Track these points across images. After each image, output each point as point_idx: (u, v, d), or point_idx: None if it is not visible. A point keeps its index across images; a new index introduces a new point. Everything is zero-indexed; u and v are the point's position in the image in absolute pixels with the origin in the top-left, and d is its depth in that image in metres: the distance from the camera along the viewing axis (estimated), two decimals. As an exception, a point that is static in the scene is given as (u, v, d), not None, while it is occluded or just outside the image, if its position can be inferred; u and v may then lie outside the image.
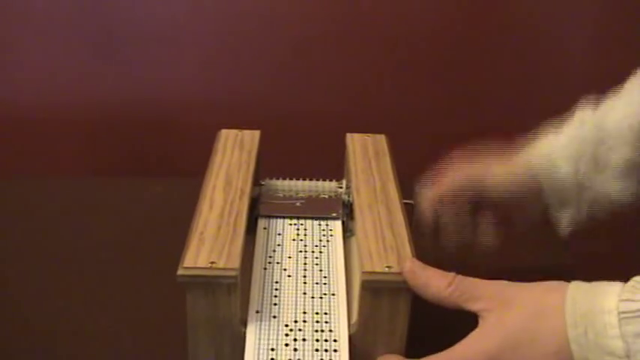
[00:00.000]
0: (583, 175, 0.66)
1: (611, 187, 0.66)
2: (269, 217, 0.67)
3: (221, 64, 1.19)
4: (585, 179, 0.66)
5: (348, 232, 0.66)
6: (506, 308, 0.51)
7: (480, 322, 0.52)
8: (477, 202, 0.67)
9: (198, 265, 0.54)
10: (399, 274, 0.54)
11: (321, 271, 0.61)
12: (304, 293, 0.58)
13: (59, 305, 0.74)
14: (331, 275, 0.60)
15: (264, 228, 0.65)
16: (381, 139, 0.76)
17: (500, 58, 1.21)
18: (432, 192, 0.68)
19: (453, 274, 0.54)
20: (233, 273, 0.53)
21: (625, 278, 0.50)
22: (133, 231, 0.87)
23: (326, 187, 0.72)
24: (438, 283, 0.54)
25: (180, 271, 0.53)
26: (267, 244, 0.63)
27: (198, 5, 1.16)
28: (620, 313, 0.48)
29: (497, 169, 0.68)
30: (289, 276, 0.60)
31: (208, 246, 0.56)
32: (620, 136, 0.66)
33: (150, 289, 0.75)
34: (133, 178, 1.12)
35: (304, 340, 0.54)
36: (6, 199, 0.93)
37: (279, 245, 0.63)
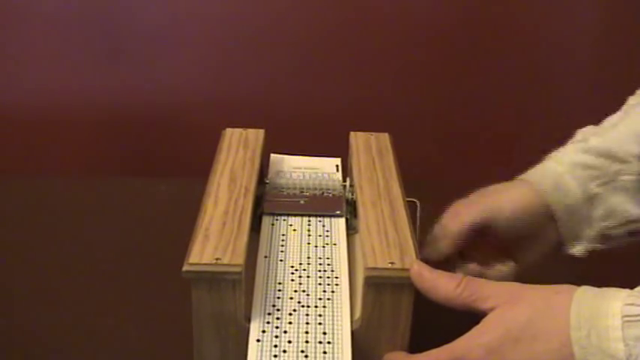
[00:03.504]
0: (593, 189, 0.65)
1: (624, 202, 0.65)
2: (273, 214, 0.67)
3: (225, 63, 1.20)
4: (596, 193, 0.65)
5: (351, 230, 0.67)
6: (513, 305, 0.52)
7: (484, 317, 0.53)
8: (487, 238, 0.66)
9: (203, 261, 0.54)
10: (402, 270, 0.55)
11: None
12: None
13: (65, 304, 0.74)
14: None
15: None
16: (385, 137, 0.76)
17: (504, 58, 1.21)
18: (450, 228, 0.65)
19: (460, 275, 0.55)
20: (238, 269, 0.54)
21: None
22: (139, 229, 0.87)
23: (329, 183, 0.72)
24: (446, 285, 0.54)
25: (185, 267, 0.54)
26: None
27: (203, 6, 1.16)
28: (623, 316, 0.48)
29: (506, 202, 0.66)
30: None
31: (213, 242, 0.56)
32: (627, 151, 0.65)
33: (155, 287, 0.76)
34: (137, 177, 1.13)
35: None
36: (12, 199, 0.94)
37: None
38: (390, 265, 0.55)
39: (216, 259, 0.54)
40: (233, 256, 0.55)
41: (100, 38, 1.17)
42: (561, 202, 0.65)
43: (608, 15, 1.19)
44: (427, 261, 0.57)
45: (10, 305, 0.74)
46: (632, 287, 0.50)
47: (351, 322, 0.56)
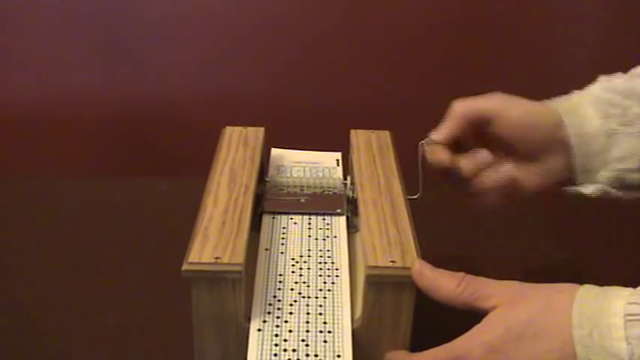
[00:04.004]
0: (614, 129, 0.62)
1: None
2: (273, 213, 0.67)
3: (225, 61, 1.19)
4: (615, 130, 0.62)
5: (352, 228, 0.66)
6: (515, 303, 0.51)
7: (485, 316, 0.52)
8: (487, 143, 0.64)
9: (202, 261, 0.54)
10: (404, 268, 0.54)
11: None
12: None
13: (66, 303, 0.74)
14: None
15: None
16: (385, 135, 0.76)
17: (506, 55, 1.21)
18: (456, 109, 0.64)
19: (462, 274, 0.54)
20: (238, 268, 0.53)
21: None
22: (138, 228, 0.87)
23: (330, 181, 0.72)
24: (447, 284, 0.54)
25: (185, 267, 0.54)
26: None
27: (203, 3, 1.16)
28: (626, 315, 0.47)
29: (517, 101, 0.63)
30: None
31: (213, 241, 0.56)
32: None
33: (156, 286, 0.75)
34: (137, 176, 1.13)
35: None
36: (12, 199, 0.93)
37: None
38: (391, 263, 0.55)
39: (216, 258, 0.54)
40: (233, 256, 0.55)
41: (99, 35, 1.17)
42: (578, 128, 0.63)
43: (608, 15, 1.19)
44: (428, 260, 0.56)
45: (11, 305, 0.74)
46: (634, 286, 0.50)
47: (352, 319, 0.56)
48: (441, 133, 0.65)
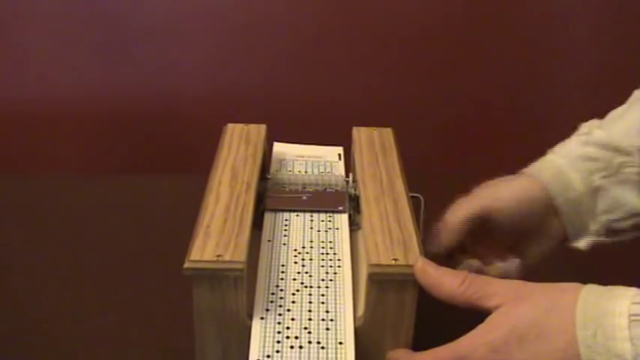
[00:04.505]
0: (597, 181, 0.64)
1: (628, 194, 0.64)
2: (275, 210, 0.67)
3: (227, 58, 1.19)
4: (599, 185, 0.64)
5: (354, 226, 0.66)
6: (518, 303, 0.51)
7: (489, 316, 0.52)
8: (488, 230, 0.65)
9: (204, 259, 0.54)
10: (406, 266, 0.54)
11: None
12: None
13: (66, 302, 0.74)
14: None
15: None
16: (388, 132, 0.76)
17: (507, 52, 1.21)
18: (449, 220, 0.65)
19: (465, 272, 0.54)
20: (239, 266, 0.53)
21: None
22: (140, 227, 0.87)
23: (332, 178, 0.72)
24: (450, 282, 0.53)
25: (186, 265, 0.53)
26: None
27: (204, 1, 1.16)
28: (630, 315, 0.47)
29: (505, 192, 0.65)
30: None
31: (215, 239, 0.56)
32: (629, 145, 0.64)
33: (158, 284, 0.75)
34: (139, 173, 1.13)
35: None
36: (12, 196, 0.93)
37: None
38: (393, 261, 0.54)
39: (218, 256, 0.54)
40: (235, 253, 0.54)
41: (100, 33, 1.16)
42: (563, 195, 0.65)
43: (609, 15, 1.18)
44: (431, 257, 0.56)
45: (11, 304, 0.74)
46: (638, 286, 0.49)
47: (354, 317, 0.56)
48: (438, 248, 0.65)
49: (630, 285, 0.50)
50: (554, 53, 1.20)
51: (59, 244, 0.84)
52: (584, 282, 0.51)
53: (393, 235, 0.58)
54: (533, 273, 0.57)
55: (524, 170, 0.67)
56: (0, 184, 0.95)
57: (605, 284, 0.51)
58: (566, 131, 0.69)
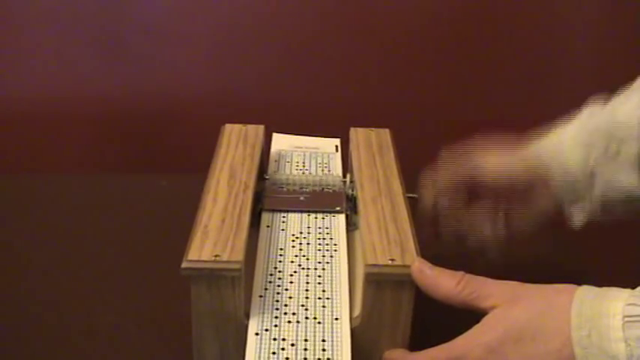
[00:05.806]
0: (594, 165, 0.64)
1: (624, 177, 0.64)
2: (273, 211, 0.67)
3: (225, 58, 1.19)
4: (596, 168, 0.64)
5: (351, 226, 0.66)
6: (514, 304, 0.51)
7: (485, 316, 0.52)
8: (476, 193, 0.67)
9: (202, 258, 0.54)
10: (403, 267, 0.54)
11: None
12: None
13: (65, 300, 0.74)
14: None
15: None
16: (385, 133, 0.76)
17: (506, 53, 1.21)
18: (432, 183, 0.68)
19: (461, 273, 0.54)
20: (237, 266, 0.53)
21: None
22: (138, 226, 0.87)
23: (330, 179, 0.72)
24: (447, 283, 0.54)
25: (184, 264, 0.54)
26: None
27: (202, 1, 1.16)
28: (624, 316, 0.47)
29: (494, 159, 0.67)
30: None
31: (212, 239, 0.56)
32: (630, 128, 0.64)
33: (155, 284, 0.75)
34: (137, 173, 1.13)
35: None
36: (11, 195, 0.93)
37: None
38: (390, 261, 0.55)
39: (216, 255, 0.54)
40: (232, 253, 0.54)
41: (98, 33, 1.16)
42: (562, 172, 0.66)
43: (609, 14, 1.19)
44: (430, 259, 0.56)
45: (10, 304, 0.74)
46: (633, 287, 0.49)
47: (351, 319, 0.56)
48: (425, 206, 0.68)
49: (625, 287, 0.50)
50: (554, 54, 1.20)
51: (57, 242, 0.83)
52: (580, 283, 0.52)
53: (389, 236, 0.58)
54: (529, 275, 0.57)
55: (524, 147, 0.68)
56: (-1, 184, 0.95)
57: (600, 285, 0.51)
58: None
